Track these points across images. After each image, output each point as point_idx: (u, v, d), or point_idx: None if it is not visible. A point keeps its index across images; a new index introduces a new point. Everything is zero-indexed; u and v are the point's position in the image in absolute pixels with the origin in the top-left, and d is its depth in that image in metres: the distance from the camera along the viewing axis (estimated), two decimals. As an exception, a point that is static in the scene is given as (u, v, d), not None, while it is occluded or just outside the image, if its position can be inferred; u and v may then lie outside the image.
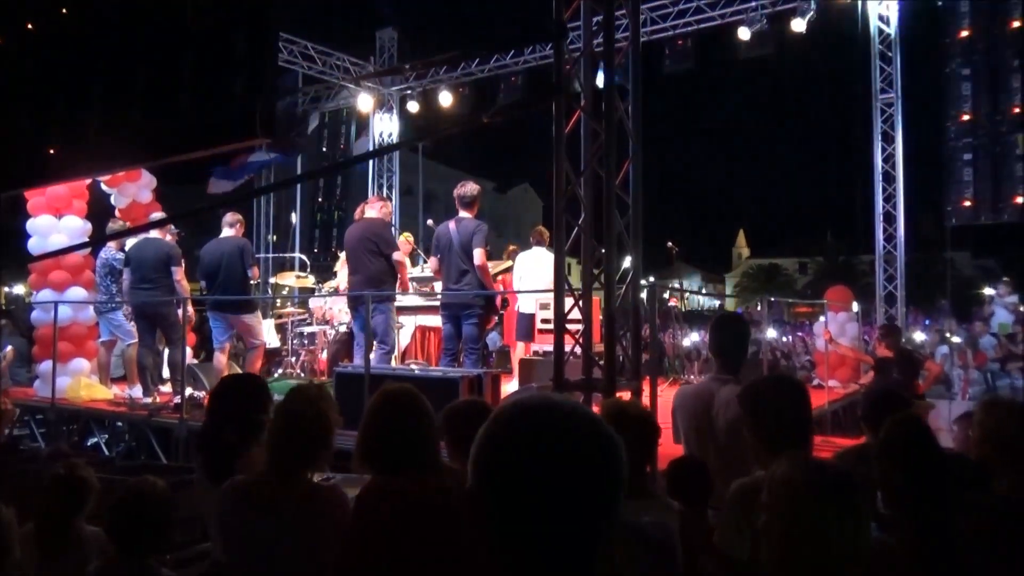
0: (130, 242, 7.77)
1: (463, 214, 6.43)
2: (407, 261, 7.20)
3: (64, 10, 3.79)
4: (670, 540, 2.26)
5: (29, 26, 3.90)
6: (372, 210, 6.99)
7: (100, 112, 3.54)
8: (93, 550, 3.01)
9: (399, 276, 6.81)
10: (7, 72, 3.92)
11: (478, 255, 6.23)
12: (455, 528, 2.09)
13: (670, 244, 14.26)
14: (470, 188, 6.53)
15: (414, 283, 8.32)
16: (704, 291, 51.05)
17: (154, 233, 7.54)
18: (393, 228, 7.02)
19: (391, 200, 13.40)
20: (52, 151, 3.65)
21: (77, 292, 8.48)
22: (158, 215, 7.93)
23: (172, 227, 7.78)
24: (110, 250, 7.96)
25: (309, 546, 2.27)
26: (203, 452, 3.24)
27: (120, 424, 8.07)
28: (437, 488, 2.20)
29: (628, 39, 4.25)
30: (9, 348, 8.88)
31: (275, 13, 3.35)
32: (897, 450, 2.39)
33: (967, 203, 9.59)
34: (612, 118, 3.83)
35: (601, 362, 4.02)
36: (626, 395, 3.92)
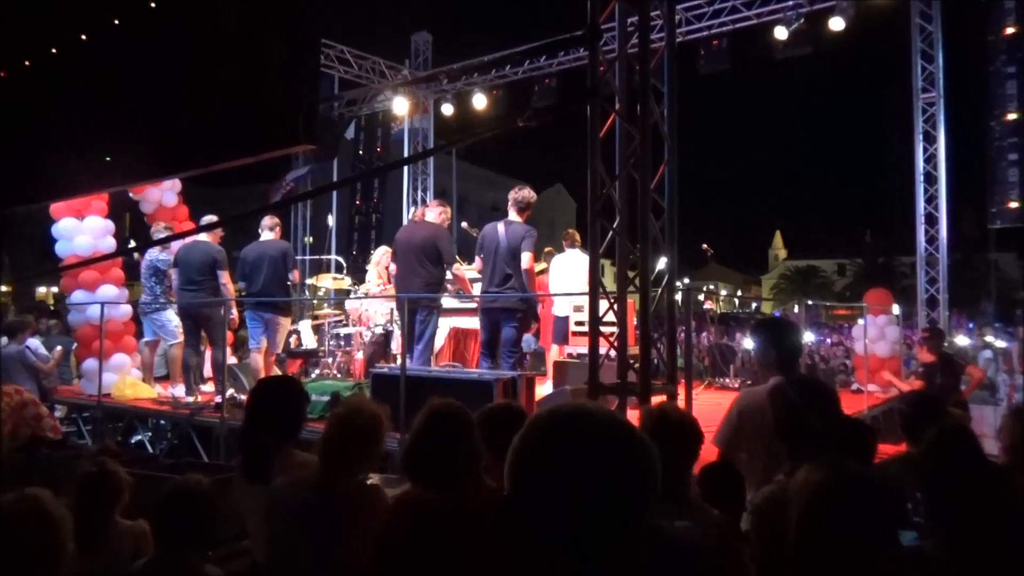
0: (176, 244, 7.98)
1: (514, 217, 6.42)
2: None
3: (111, 18, 3.91)
4: (703, 545, 2.25)
5: (82, 35, 4.02)
6: (431, 214, 7.03)
7: (142, 122, 3.64)
8: (129, 545, 3.09)
9: (460, 285, 6.96)
10: (52, 82, 4.04)
11: (526, 259, 6.22)
12: (484, 544, 2.13)
13: (705, 246, 14.08)
14: (527, 193, 6.53)
15: (450, 285, 8.39)
16: (739, 293, 50.44)
17: (203, 236, 7.73)
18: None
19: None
20: (96, 161, 3.75)
21: (109, 290, 8.71)
22: (209, 219, 8.10)
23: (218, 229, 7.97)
24: (154, 252, 8.16)
25: (353, 547, 2.31)
26: (242, 452, 3.31)
27: (163, 422, 8.26)
28: (472, 503, 2.23)
29: (663, 41, 4.23)
30: (59, 348, 9.12)
31: (316, 18, 3.42)
32: (942, 458, 2.36)
33: (1013, 204, 9.34)
34: (648, 121, 3.82)
35: (636, 365, 4.00)
36: (661, 398, 3.91)
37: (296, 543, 2.40)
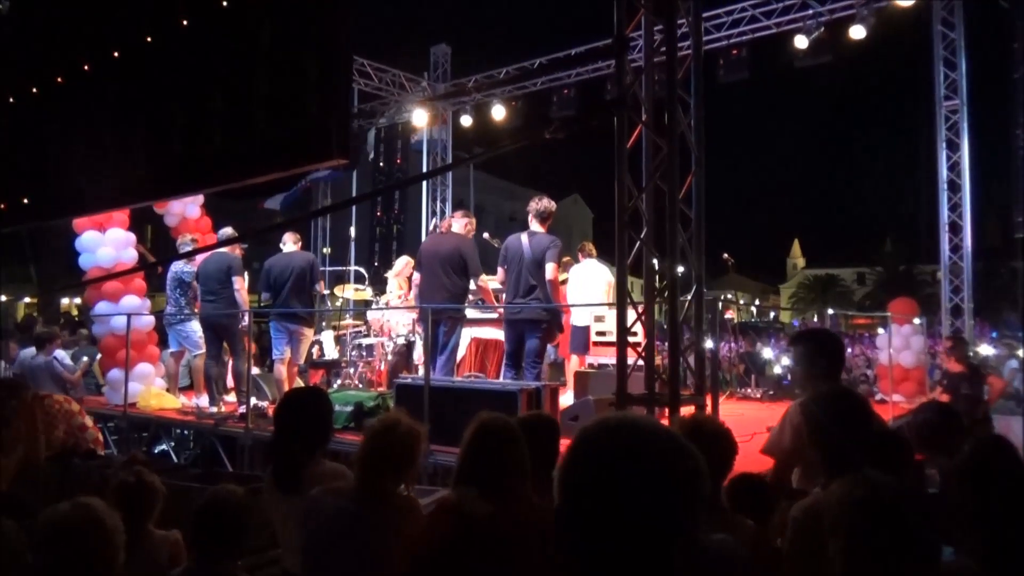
0: (200, 256, 8.08)
1: (536, 227, 6.43)
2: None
3: (148, 39, 3.98)
4: (736, 557, 2.24)
5: (115, 54, 4.10)
6: (457, 224, 7.06)
7: (178, 138, 3.70)
8: (164, 554, 3.12)
9: (485, 297, 6.99)
10: (91, 100, 4.13)
11: (550, 269, 6.24)
12: (526, 553, 2.14)
13: (725, 256, 14.03)
14: (547, 203, 6.54)
15: (471, 296, 8.41)
16: (757, 302, 50.12)
17: (224, 248, 7.83)
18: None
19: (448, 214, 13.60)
20: (136, 175, 3.83)
21: (131, 300, 8.84)
22: (228, 232, 8.20)
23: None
24: (179, 263, 8.26)
25: (392, 557, 2.33)
26: (272, 462, 3.34)
27: (186, 432, 8.33)
28: (515, 512, 2.25)
29: (690, 51, 4.23)
30: (84, 359, 9.25)
31: (349, 36, 3.45)
32: (986, 471, 2.33)
33: (1039, 212, 9.26)
34: (675, 131, 3.82)
35: (663, 375, 3.99)
36: (689, 409, 3.89)
37: (334, 552, 2.42)
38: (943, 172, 10.71)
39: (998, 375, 12.15)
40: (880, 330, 17.76)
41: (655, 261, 4.12)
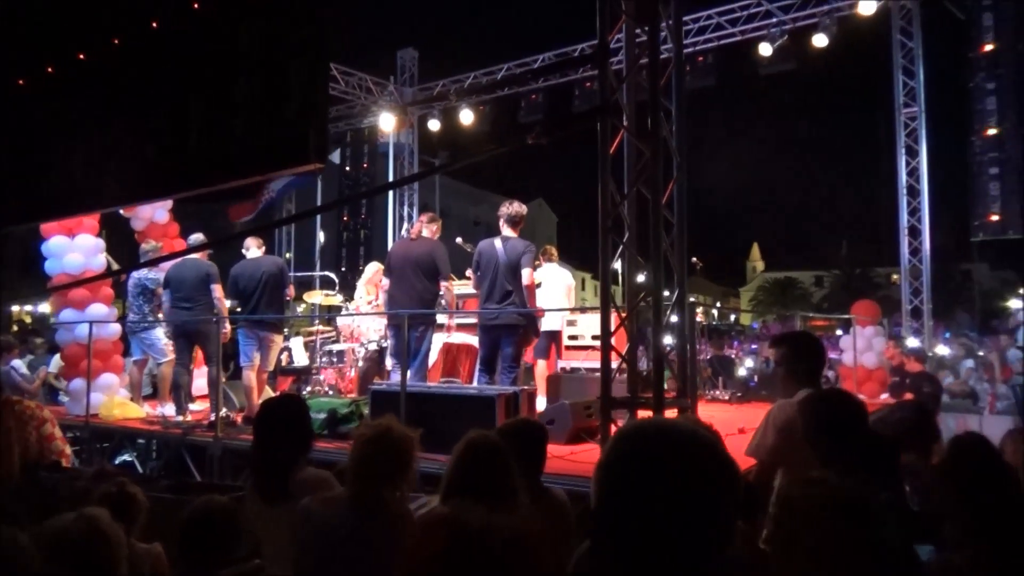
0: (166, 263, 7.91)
1: (508, 233, 6.42)
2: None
3: (116, 41, 3.87)
4: (732, 555, 2.26)
5: (81, 56, 3.99)
6: (427, 230, 7.02)
7: (153, 141, 3.61)
8: (147, 567, 3.05)
9: (448, 300, 6.92)
10: (59, 102, 4.00)
11: (527, 275, 6.23)
12: (520, 563, 2.13)
13: (695, 259, 14.21)
14: (517, 207, 6.52)
15: (443, 300, 8.36)
16: (718, 305, 50.85)
17: (194, 254, 7.66)
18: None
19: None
20: (104, 180, 3.72)
21: (98, 309, 8.58)
22: (198, 237, 8.02)
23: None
24: (142, 270, 8.06)
25: (390, 567, 2.29)
26: (255, 471, 3.29)
27: (143, 441, 8.12)
28: (508, 522, 2.24)
29: (670, 54, 4.25)
30: (43, 368, 8.97)
31: (329, 40, 3.41)
32: (968, 470, 2.38)
33: (994, 217, 9.55)
34: (658, 136, 3.85)
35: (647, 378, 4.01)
36: (673, 413, 3.92)
37: (330, 565, 2.37)
38: (902, 177, 11.00)
39: (955, 374, 12.53)
40: (839, 332, 18.15)
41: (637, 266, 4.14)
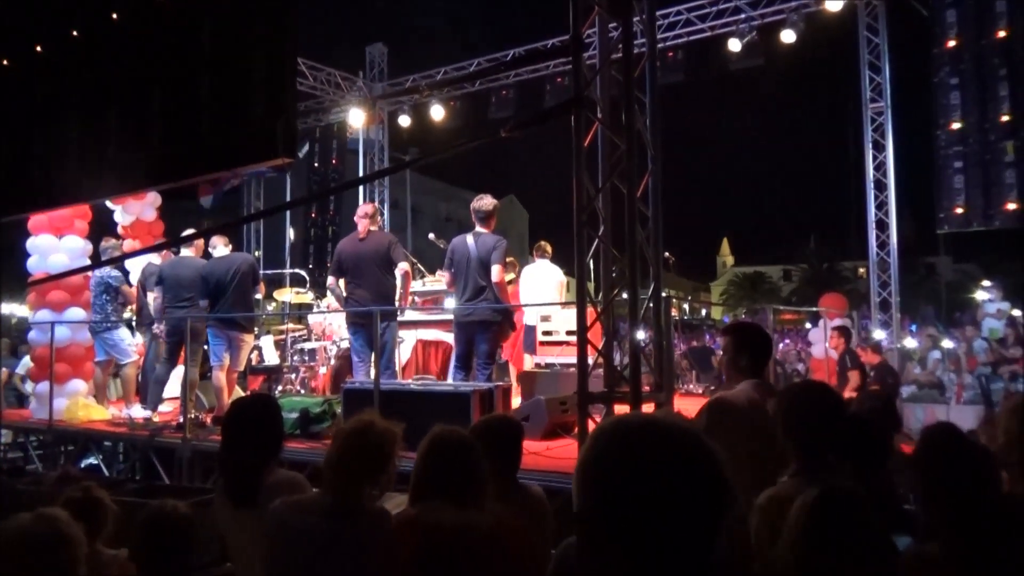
0: (156, 259, 7.83)
1: (480, 228, 6.35)
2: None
3: (75, 33, 3.77)
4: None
5: (38, 48, 3.87)
6: (375, 224, 6.95)
7: (120, 135, 3.52)
8: (113, 573, 2.96)
9: (404, 290, 6.80)
10: (23, 96, 3.88)
11: (495, 271, 6.18)
12: (488, 563, 2.10)
13: (667, 254, 14.29)
14: (487, 202, 6.45)
15: (416, 297, 8.29)
16: (689, 299, 51.30)
17: (186, 251, 7.50)
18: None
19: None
20: (72, 174, 3.61)
21: (76, 313, 8.34)
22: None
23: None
24: (105, 268, 7.86)
25: (361, 569, 2.24)
26: (224, 474, 3.20)
27: (110, 444, 7.94)
28: (478, 522, 2.20)
29: (644, 48, 4.24)
30: (4, 370, 8.73)
31: (295, 37, 3.34)
32: (943, 459, 2.39)
33: (959, 210, 9.70)
34: (633, 129, 3.83)
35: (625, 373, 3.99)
36: (650, 407, 3.91)
37: (306, 567, 2.31)
38: (869, 172, 11.14)
39: (923, 365, 12.75)
40: (808, 325, 18.36)
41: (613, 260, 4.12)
